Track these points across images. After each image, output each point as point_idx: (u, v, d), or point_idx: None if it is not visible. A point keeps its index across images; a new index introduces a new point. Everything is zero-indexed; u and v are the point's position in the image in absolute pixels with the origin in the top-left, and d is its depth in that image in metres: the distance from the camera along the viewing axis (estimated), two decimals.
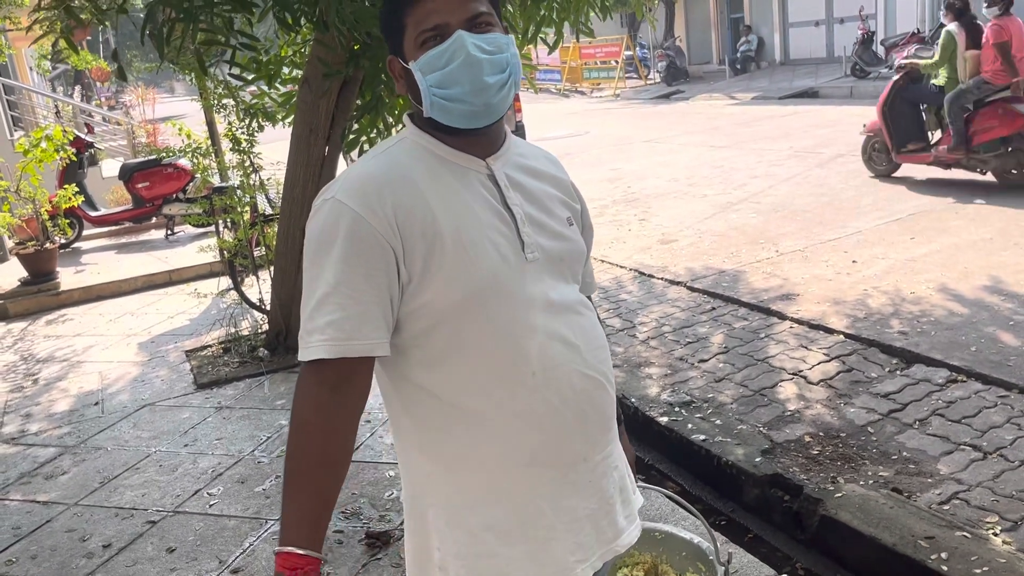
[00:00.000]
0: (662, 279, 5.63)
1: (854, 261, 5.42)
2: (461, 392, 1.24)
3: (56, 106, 14.45)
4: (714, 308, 4.95)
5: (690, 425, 3.55)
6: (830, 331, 4.33)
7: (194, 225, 6.85)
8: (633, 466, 1.53)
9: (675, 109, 17.13)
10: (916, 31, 15.10)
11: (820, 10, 19.47)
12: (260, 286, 5.44)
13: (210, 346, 5.12)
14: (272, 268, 4.92)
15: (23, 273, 6.87)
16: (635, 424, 3.70)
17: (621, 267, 6.06)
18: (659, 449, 3.63)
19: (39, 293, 6.73)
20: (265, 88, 4.65)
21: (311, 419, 1.18)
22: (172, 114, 15.80)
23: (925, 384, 3.65)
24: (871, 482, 2.97)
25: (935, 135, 7.34)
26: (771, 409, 3.61)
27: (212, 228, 6.47)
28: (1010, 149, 6.52)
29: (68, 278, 7.11)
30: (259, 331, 5.14)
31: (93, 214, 8.82)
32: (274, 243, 4.91)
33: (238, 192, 5.36)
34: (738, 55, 21.14)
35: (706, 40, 24.02)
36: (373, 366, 1.24)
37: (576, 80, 23.87)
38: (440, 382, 1.24)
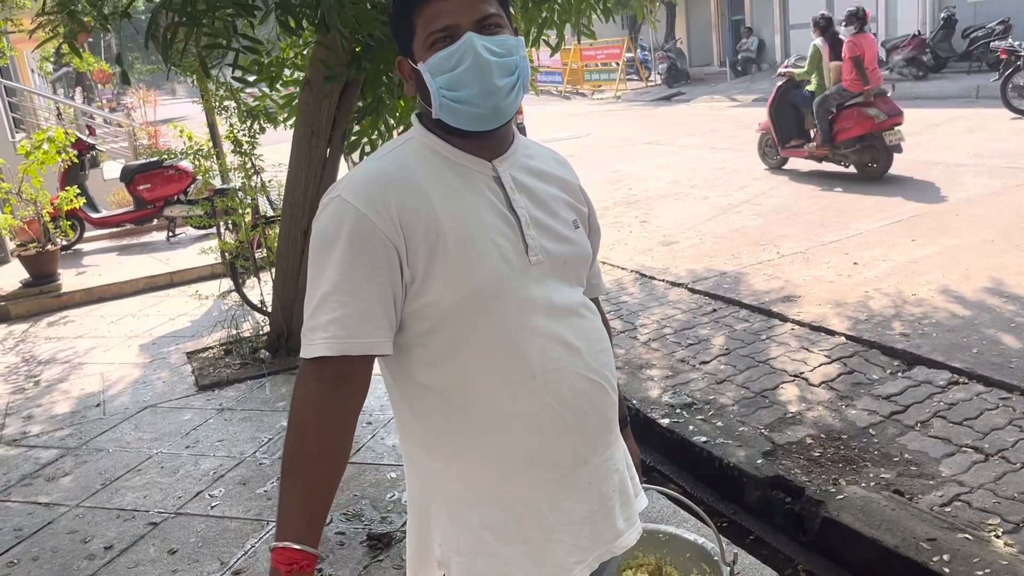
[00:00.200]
0: (663, 281, 5.64)
1: (855, 263, 5.42)
2: (463, 392, 1.24)
3: (58, 108, 14.48)
4: (715, 310, 4.96)
5: (691, 427, 3.55)
6: (831, 333, 4.33)
7: (195, 227, 6.88)
8: (639, 468, 1.53)
9: (676, 111, 17.13)
10: (917, 33, 15.12)
11: (821, 12, 19.47)
12: (261, 288, 5.45)
13: (211, 348, 5.12)
14: (273, 270, 4.93)
15: (25, 275, 6.88)
16: (636, 426, 3.68)
17: (622, 269, 6.06)
18: (660, 451, 3.64)
19: (41, 295, 6.74)
20: (266, 90, 4.65)
21: (310, 416, 1.19)
22: (173, 116, 15.79)
23: (927, 386, 3.65)
24: (873, 484, 2.97)
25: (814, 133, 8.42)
26: (772, 411, 3.61)
27: (213, 230, 6.48)
28: (865, 146, 7.71)
29: (69, 280, 7.12)
30: (260, 333, 5.14)
31: (94, 216, 8.83)
32: (275, 245, 4.91)
33: (239, 194, 5.36)
34: (739, 57, 21.15)
35: (707, 42, 24.03)
36: (373, 364, 1.24)
37: (577, 82, 23.88)
38: (442, 382, 1.25)
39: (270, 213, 5.61)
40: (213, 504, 3.27)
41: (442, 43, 1.22)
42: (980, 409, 3.39)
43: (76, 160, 7.87)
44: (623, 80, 22.46)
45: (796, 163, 8.72)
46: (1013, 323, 4.15)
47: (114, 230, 9.24)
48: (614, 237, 6.95)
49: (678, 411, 3.71)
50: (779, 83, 8.61)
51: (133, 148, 12.60)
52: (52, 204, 7.07)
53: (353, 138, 4.15)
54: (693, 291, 5.34)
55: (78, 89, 25.70)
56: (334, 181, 4.41)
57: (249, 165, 5.26)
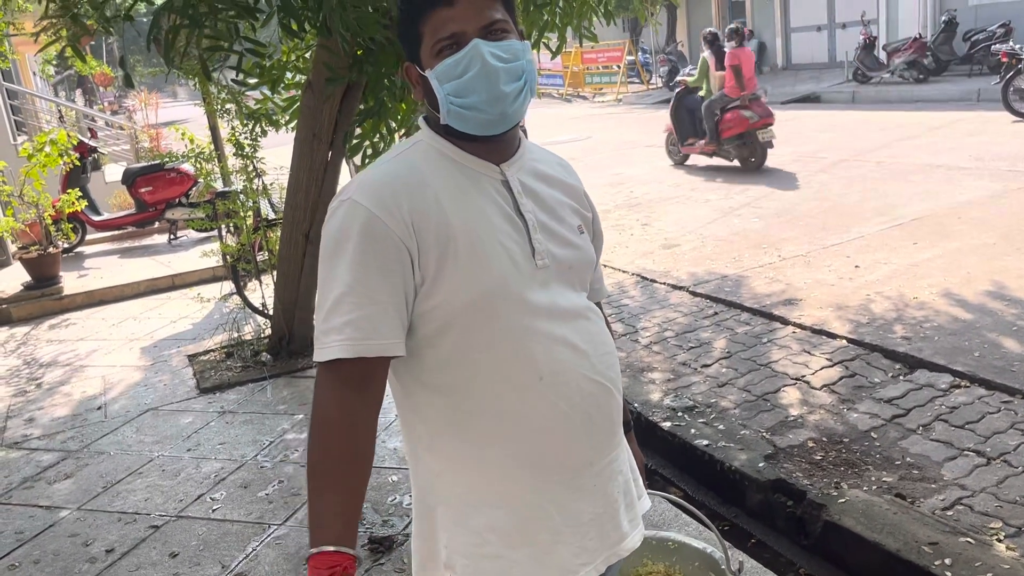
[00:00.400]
0: (664, 284, 5.64)
1: (857, 266, 5.42)
2: (470, 394, 1.24)
3: (59, 110, 14.50)
4: (716, 313, 4.95)
5: (693, 430, 3.55)
6: (833, 336, 4.33)
7: (197, 230, 6.87)
8: (643, 471, 1.54)
9: None
10: (918, 36, 15.12)
11: (822, 15, 19.48)
12: (263, 290, 5.45)
13: (213, 351, 5.12)
14: (275, 273, 4.93)
15: (26, 277, 6.89)
16: (638, 429, 3.68)
17: (623, 272, 6.06)
18: (662, 454, 3.63)
19: (42, 297, 6.74)
20: (268, 93, 4.66)
21: (336, 416, 1.18)
22: (175, 119, 15.85)
23: (928, 389, 3.65)
24: (874, 487, 2.97)
25: None
26: (774, 414, 3.61)
27: (215, 233, 6.48)
28: (744, 143, 8.99)
29: (71, 282, 7.13)
30: (262, 335, 5.14)
31: (96, 219, 8.83)
32: (277, 248, 4.91)
33: (241, 197, 5.36)
34: None
35: None
36: (389, 365, 1.24)
37: (578, 85, 23.88)
38: (449, 384, 1.25)
39: (272, 216, 5.61)
40: (214, 507, 3.27)
41: (449, 50, 1.22)
42: (982, 412, 3.39)
43: (78, 163, 7.88)
44: (624, 83, 22.46)
45: (696, 159, 10.09)
46: (1015, 326, 4.14)
47: (116, 233, 9.25)
48: (615, 240, 6.95)
49: (679, 414, 3.71)
50: (677, 90, 10.05)
51: (135, 151, 12.60)
52: (54, 207, 7.07)
53: (355, 141, 4.16)
54: (694, 294, 5.34)
55: (79, 91, 25.74)
56: (336, 184, 4.47)
57: (251, 168, 5.26)
